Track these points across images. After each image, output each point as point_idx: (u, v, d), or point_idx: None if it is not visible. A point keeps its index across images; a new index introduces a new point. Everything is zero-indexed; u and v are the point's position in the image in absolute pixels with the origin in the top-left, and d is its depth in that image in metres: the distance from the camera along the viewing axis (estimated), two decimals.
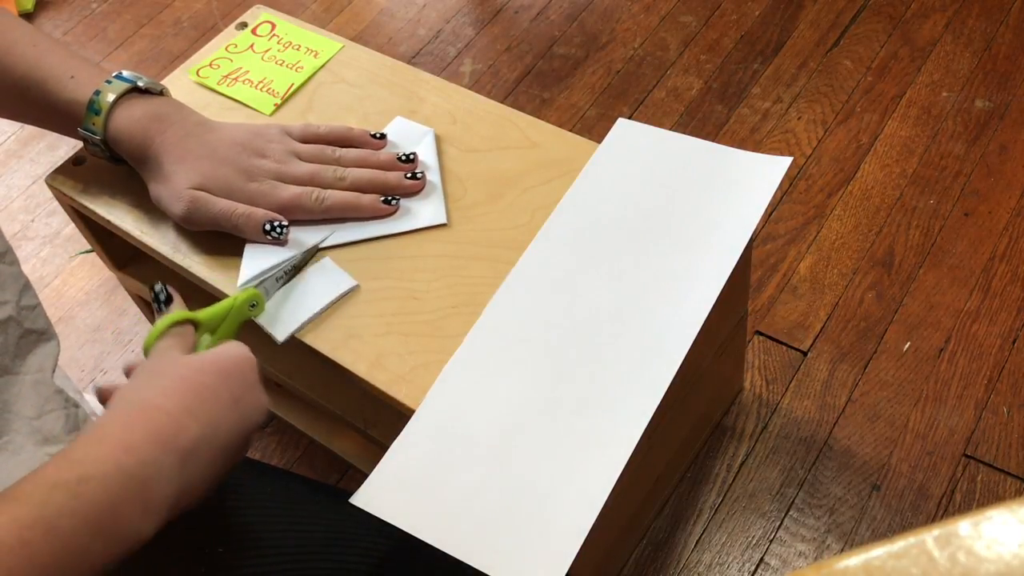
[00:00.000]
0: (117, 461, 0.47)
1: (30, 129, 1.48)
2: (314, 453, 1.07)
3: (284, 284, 0.73)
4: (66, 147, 1.44)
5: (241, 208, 0.73)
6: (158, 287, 0.62)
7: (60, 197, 0.85)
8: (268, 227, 0.73)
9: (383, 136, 0.80)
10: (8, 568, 0.41)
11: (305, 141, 0.78)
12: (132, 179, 0.83)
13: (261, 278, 0.73)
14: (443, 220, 0.76)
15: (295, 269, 0.73)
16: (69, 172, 0.84)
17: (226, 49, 0.92)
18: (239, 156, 0.74)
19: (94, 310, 1.25)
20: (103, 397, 0.59)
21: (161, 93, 0.75)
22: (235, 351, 0.57)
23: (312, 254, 0.74)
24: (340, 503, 0.63)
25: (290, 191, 0.74)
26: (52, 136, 1.46)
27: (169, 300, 0.63)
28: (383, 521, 0.60)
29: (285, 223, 0.73)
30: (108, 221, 0.81)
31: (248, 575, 0.60)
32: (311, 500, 0.66)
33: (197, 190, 0.73)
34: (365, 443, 0.93)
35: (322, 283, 0.73)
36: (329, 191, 0.74)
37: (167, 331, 0.59)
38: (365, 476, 0.63)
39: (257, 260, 0.74)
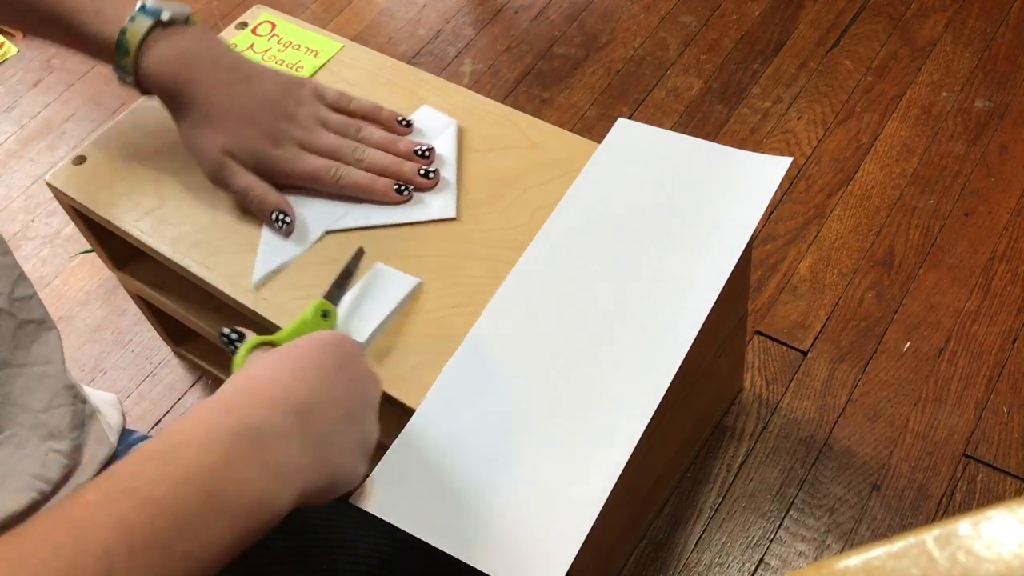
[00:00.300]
0: (216, 422, 0.43)
1: (30, 129, 1.48)
2: None
3: (342, 295, 0.72)
4: (66, 147, 1.44)
5: (257, 191, 0.74)
6: (226, 330, 0.60)
7: (60, 197, 0.85)
8: (275, 216, 0.74)
9: (409, 124, 0.80)
10: (105, 545, 0.37)
11: (335, 110, 0.78)
12: (132, 178, 0.83)
13: (273, 272, 0.74)
14: (452, 214, 0.76)
15: (348, 274, 0.71)
16: (69, 172, 0.84)
17: None
18: (267, 116, 0.73)
19: (94, 310, 1.25)
20: None
21: (187, 20, 0.73)
22: (328, 332, 0.55)
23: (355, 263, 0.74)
24: (340, 503, 0.63)
25: (310, 164, 0.74)
26: (52, 136, 1.46)
27: (241, 337, 0.60)
28: (383, 521, 0.60)
29: (289, 218, 0.75)
30: (108, 221, 0.81)
31: None
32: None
33: (225, 154, 0.73)
34: None
35: (386, 287, 0.73)
36: (347, 169, 0.75)
37: (249, 355, 0.58)
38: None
39: (271, 256, 0.75)
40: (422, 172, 0.77)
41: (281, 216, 0.74)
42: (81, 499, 0.39)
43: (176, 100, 0.73)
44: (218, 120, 0.73)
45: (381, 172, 0.76)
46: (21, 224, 1.36)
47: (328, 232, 0.76)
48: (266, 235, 0.76)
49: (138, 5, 0.71)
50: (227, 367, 0.57)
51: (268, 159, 0.74)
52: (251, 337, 0.60)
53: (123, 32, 0.70)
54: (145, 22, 0.71)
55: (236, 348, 0.60)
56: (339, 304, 0.70)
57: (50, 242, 1.33)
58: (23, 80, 1.56)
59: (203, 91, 0.72)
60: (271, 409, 0.45)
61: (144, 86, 0.73)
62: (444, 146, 0.80)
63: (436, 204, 0.77)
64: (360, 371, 0.53)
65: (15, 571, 0.36)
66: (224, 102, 0.72)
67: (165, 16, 0.71)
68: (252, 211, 0.76)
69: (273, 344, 0.61)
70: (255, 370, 0.49)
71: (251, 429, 0.43)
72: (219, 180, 0.75)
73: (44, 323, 0.56)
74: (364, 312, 0.71)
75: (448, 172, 0.79)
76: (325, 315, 0.67)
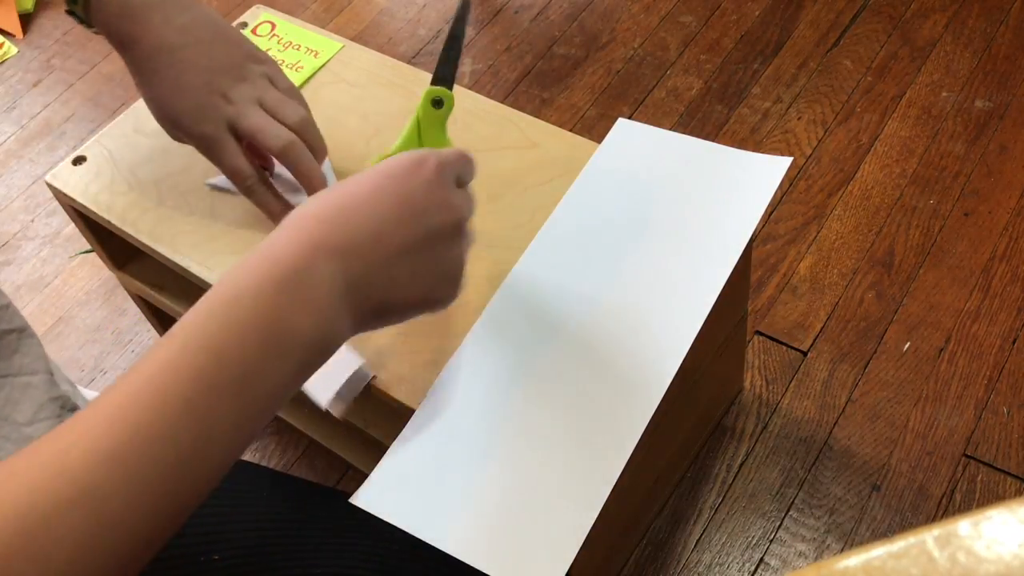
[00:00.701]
0: (266, 273, 0.45)
1: (30, 129, 1.48)
2: (314, 453, 1.07)
3: (455, 72, 0.66)
4: (66, 147, 1.44)
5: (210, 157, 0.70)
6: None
7: (60, 197, 0.85)
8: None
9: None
10: (185, 396, 0.41)
11: (274, 108, 0.70)
12: (132, 178, 0.83)
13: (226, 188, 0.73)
14: None
15: (455, 40, 0.64)
16: (69, 172, 0.84)
17: None
18: (200, 89, 0.68)
19: (94, 310, 1.25)
20: None
21: None
22: (404, 155, 0.52)
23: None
24: (339, 504, 0.63)
25: (231, 162, 0.70)
26: (52, 136, 1.46)
27: None
28: (383, 521, 0.60)
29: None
30: (108, 221, 0.81)
31: None
32: (308, 502, 0.66)
33: (163, 122, 0.70)
34: (365, 443, 0.93)
35: None
36: (260, 191, 0.71)
37: None
38: (365, 476, 0.63)
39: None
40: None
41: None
42: (156, 357, 0.42)
43: (122, 53, 0.69)
44: (154, 89, 0.69)
45: (294, 168, 0.70)
46: (21, 224, 1.36)
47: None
48: None
49: None
50: None
51: (191, 135, 0.69)
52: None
53: None
54: None
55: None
56: (454, 84, 0.64)
57: (50, 242, 1.33)
58: (23, 80, 1.56)
59: (144, 53, 0.67)
60: (313, 253, 0.47)
61: (93, 26, 0.69)
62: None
63: None
64: (430, 197, 0.51)
65: (114, 426, 0.40)
66: (160, 68, 0.68)
67: None
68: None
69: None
70: (308, 207, 0.49)
71: (296, 276, 0.46)
72: (173, 139, 0.72)
73: (24, 331, 0.56)
74: None
75: None
76: (439, 103, 0.61)
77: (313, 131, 0.71)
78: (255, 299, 0.44)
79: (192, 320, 0.44)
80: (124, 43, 0.68)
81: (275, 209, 0.72)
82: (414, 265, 0.50)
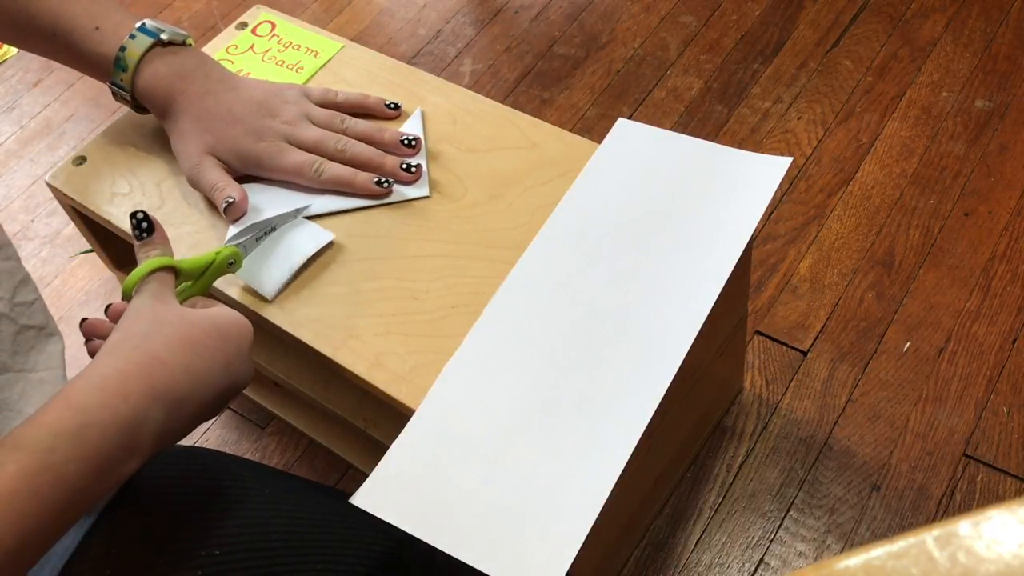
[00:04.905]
0: (116, 409, 0.49)
1: (30, 129, 1.48)
2: (314, 453, 1.07)
3: (261, 242, 0.74)
4: (66, 147, 1.44)
5: (220, 184, 0.76)
6: (140, 215, 0.61)
7: (60, 197, 0.85)
8: (224, 200, 0.75)
9: (397, 107, 0.83)
10: (22, 514, 0.44)
11: (322, 105, 0.80)
12: (132, 178, 0.83)
13: (242, 237, 0.74)
14: (426, 193, 0.77)
15: (272, 228, 0.75)
16: (69, 172, 0.84)
17: (227, 51, 0.92)
18: (252, 115, 0.76)
19: (94, 310, 1.25)
20: (95, 331, 0.59)
21: (184, 43, 0.77)
22: (236, 317, 0.58)
23: (291, 218, 0.76)
24: (338, 503, 0.63)
25: (294, 158, 0.76)
26: (52, 136, 1.46)
27: (151, 230, 0.61)
28: (382, 521, 0.60)
29: (233, 198, 0.75)
30: (108, 221, 0.81)
31: None
32: (308, 501, 0.66)
33: (207, 153, 0.75)
34: (365, 443, 0.93)
35: (299, 239, 0.75)
36: (328, 164, 0.77)
37: (150, 275, 0.58)
38: (365, 476, 0.63)
39: (242, 222, 0.76)
40: (404, 166, 0.78)
41: (228, 199, 0.75)
42: (4, 471, 0.45)
43: (168, 110, 0.76)
44: (206, 123, 0.75)
45: (363, 165, 0.77)
46: (21, 224, 1.36)
47: (308, 218, 0.76)
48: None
49: (137, 24, 0.74)
50: None
51: (252, 154, 0.76)
52: (159, 241, 0.61)
53: (122, 49, 0.73)
54: (145, 40, 0.74)
55: (143, 239, 0.60)
56: (251, 252, 0.73)
57: (50, 242, 1.33)
58: (23, 80, 1.56)
59: (192, 100, 0.75)
60: (153, 401, 0.51)
61: (139, 101, 0.77)
62: (411, 129, 0.81)
63: (410, 186, 0.78)
64: (241, 369, 0.57)
65: None
66: (212, 106, 0.75)
67: (164, 36, 0.75)
68: (217, 206, 0.77)
69: (175, 269, 0.60)
70: (157, 346, 0.53)
71: (136, 419, 0.50)
72: (194, 179, 0.77)
73: (44, 329, 0.57)
74: (273, 266, 0.73)
75: (419, 156, 0.80)
76: (231, 263, 0.68)
77: (369, 100, 0.82)
78: (102, 435, 0.48)
79: (39, 437, 0.46)
80: (173, 96, 0.75)
81: (345, 177, 0.77)
82: (202, 417, 0.55)
